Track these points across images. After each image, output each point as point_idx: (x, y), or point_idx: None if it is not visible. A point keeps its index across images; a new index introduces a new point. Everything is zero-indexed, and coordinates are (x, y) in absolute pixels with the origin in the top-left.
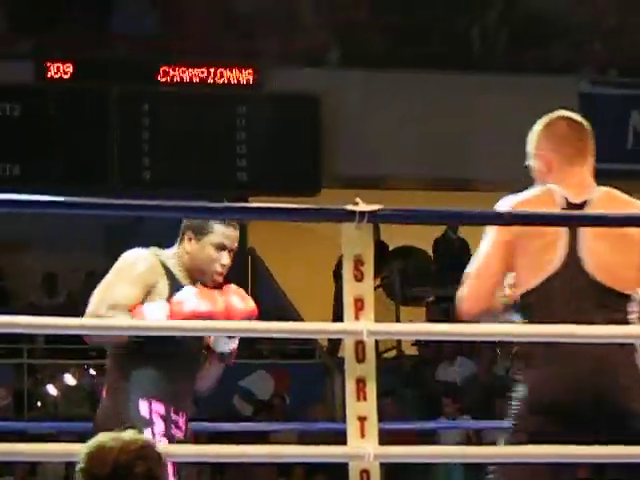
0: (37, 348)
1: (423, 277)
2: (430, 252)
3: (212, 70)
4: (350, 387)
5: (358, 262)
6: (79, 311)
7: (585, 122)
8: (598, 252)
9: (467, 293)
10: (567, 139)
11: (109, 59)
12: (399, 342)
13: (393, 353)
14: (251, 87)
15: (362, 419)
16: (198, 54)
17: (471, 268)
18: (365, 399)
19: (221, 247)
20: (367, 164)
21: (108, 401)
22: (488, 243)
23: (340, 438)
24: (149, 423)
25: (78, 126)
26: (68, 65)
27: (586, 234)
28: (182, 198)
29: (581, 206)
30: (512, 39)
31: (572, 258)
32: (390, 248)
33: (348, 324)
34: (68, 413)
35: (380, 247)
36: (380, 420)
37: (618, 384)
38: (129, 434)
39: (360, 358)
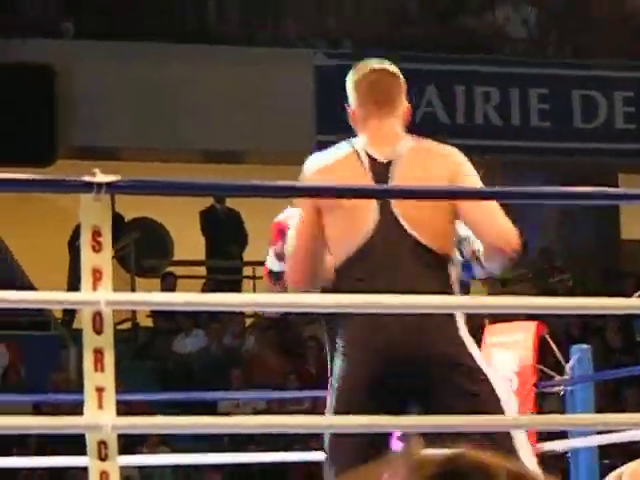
0: None
1: (159, 248)
2: (165, 224)
3: None
4: (88, 358)
5: (96, 233)
6: None
7: (395, 70)
8: (410, 206)
9: (288, 273)
10: (371, 92)
11: None
12: (134, 314)
13: (128, 325)
14: None
15: (100, 390)
16: None
17: (289, 245)
18: (103, 370)
19: None
20: (102, 135)
21: None
22: (297, 219)
23: (77, 410)
24: None
25: None
26: None
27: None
28: None
29: (388, 164)
30: (246, 11)
31: (386, 215)
32: (126, 220)
33: (86, 294)
34: None
35: (116, 219)
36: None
37: (432, 348)
38: None
39: (98, 329)
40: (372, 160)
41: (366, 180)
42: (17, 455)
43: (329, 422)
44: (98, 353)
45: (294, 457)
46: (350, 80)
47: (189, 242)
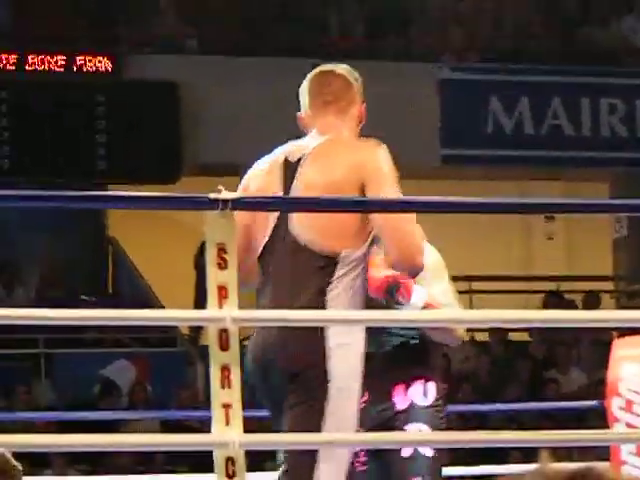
0: None
1: None
2: None
3: (70, 58)
4: (214, 375)
5: (221, 250)
6: None
7: (344, 72)
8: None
9: None
10: (319, 92)
11: None
12: None
13: None
14: (110, 75)
15: (227, 406)
16: (56, 42)
17: None
18: (230, 387)
19: None
20: (227, 151)
21: None
22: None
23: (204, 426)
24: None
25: None
26: None
27: (295, 191)
28: (42, 187)
29: (296, 164)
30: (371, 25)
31: (282, 221)
32: None
33: (212, 311)
34: None
35: None
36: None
37: (282, 355)
38: None
39: (224, 346)
40: (287, 161)
41: (277, 183)
42: (145, 473)
43: (458, 437)
44: (224, 370)
45: None
46: (302, 85)
47: None
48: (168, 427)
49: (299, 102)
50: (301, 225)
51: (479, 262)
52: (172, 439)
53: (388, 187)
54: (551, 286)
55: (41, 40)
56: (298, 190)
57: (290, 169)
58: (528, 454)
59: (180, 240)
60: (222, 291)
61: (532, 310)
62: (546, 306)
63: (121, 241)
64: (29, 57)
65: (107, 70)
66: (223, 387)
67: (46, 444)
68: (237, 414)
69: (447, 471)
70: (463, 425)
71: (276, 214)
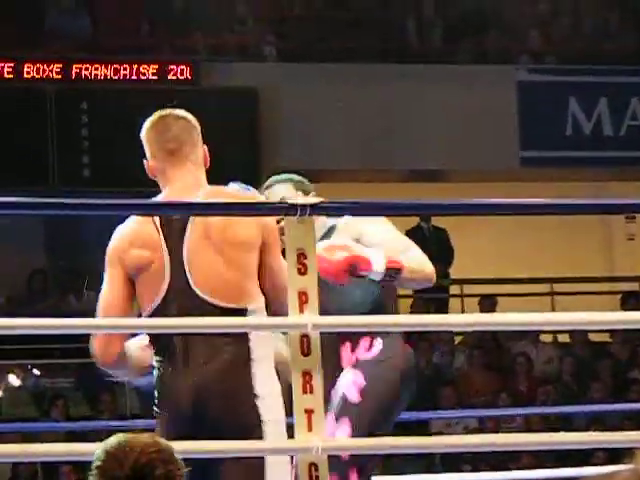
0: None
1: None
2: None
3: (148, 66)
4: (296, 380)
5: (301, 255)
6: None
7: (184, 114)
8: (203, 265)
9: (96, 340)
10: (160, 140)
11: (46, 57)
12: None
13: None
14: (189, 82)
15: (309, 412)
16: (134, 50)
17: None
18: (311, 392)
19: None
20: (306, 158)
21: None
22: (105, 280)
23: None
24: None
25: (17, 125)
26: (6, 64)
27: (189, 246)
28: (122, 195)
29: (185, 219)
30: (448, 29)
31: (179, 275)
32: None
33: (293, 317)
34: (11, 414)
35: None
36: None
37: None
38: (147, 436)
39: (305, 351)
40: (166, 217)
41: (157, 240)
42: None
43: (542, 439)
44: (306, 375)
45: (507, 476)
46: (142, 132)
47: None
48: None
49: (378, 108)
50: (204, 282)
51: (560, 264)
52: (256, 445)
53: (279, 248)
54: (633, 286)
55: (119, 49)
56: (192, 243)
57: (175, 225)
58: (612, 455)
59: None
60: (302, 296)
61: (614, 311)
62: (626, 307)
63: None
64: (107, 66)
65: (186, 78)
66: (305, 392)
67: None
68: (319, 419)
69: (530, 474)
70: (546, 427)
71: (167, 271)
